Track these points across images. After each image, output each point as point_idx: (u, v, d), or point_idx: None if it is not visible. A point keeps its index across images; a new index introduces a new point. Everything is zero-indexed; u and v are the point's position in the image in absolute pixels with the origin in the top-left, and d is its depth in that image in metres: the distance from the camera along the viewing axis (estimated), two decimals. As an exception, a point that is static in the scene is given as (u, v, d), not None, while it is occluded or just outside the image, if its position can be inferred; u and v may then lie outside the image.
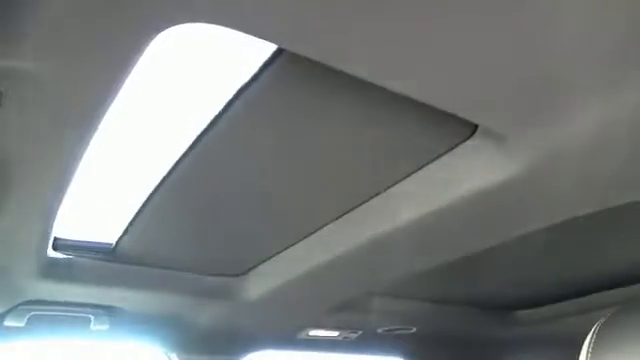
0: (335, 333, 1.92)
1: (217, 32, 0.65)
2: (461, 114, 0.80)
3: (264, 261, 1.49)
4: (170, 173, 1.03)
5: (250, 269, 1.52)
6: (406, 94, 0.76)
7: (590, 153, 0.86)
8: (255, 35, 0.64)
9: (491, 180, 0.93)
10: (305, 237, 1.35)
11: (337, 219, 1.24)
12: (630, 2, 0.61)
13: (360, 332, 1.94)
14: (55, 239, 1.25)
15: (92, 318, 1.48)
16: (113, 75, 0.70)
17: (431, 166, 1.00)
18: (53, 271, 1.29)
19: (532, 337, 2.02)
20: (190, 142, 0.95)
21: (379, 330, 1.97)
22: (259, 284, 1.52)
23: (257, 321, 1.71)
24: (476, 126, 0.88)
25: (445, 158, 0.97)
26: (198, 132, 0.93)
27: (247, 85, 0.82)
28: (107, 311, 1.49)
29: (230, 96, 0.85)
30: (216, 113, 0.88)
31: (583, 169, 0.90)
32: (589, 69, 0.71)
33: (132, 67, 0.70)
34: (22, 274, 1.27)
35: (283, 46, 0.68)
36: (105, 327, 1.51)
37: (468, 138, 0.92)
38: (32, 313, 1.40)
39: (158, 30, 0.64)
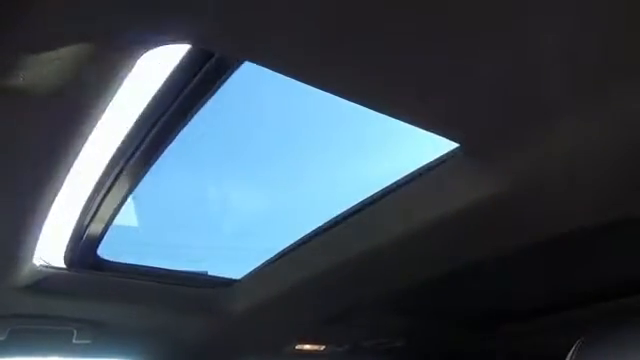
0: (322, 347, 1.91)
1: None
2: (446, 134, 0.82)
3: (250, 274, 1.48)
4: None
5: (236, 282, 1.52)
6: (394, 116, 0.77)
7: (573, 171, 0.88)
8: (248, 59, 0.66)
9: (476, 197, 0.95)
10: (292, 250, 1.35)
11: (324, 233, 1.25)
12: (608, 28, 0.63)
13: (347, 346, 1.94)
14: (40, 252, 1.24)
15: (75, 332, 1.46)
16: (99, 92, 0.70)
17: (417, 183, 1.01)
18: (36, 284, 1.27)
19: (517, 351, 2.03)
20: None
21: (366, 344, 1.96)
22: (245, 297, 1.51)
23: (243, 335, 1.70)
24: (461, 144, 0.90)
25: (431, 175, 0.98)
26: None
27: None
28: (90, 325, 1.47)
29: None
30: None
31: (567, 186, 0.92)
32: (570, 89, 0.73)
33: (120, 84, 0.70)
34: (3, 287, 1.25)
35: (268, 67, 0.69)
36: (88, 342, 1.49)
37: (453, 156, 0.93)
38: (13, 327, 1.38)
39: (143, 50, 0.64)
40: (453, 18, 0.61)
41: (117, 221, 1.24)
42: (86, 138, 0.79)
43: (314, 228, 1.27)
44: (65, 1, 0.57)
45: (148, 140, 0.99)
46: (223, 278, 1.54)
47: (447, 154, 0.94)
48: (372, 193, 1.10)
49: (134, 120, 0.97)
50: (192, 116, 0.95)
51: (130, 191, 1.15)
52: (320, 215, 1.26)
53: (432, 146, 0.94)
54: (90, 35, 0.62)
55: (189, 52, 0.80)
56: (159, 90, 0.89)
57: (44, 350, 1.51)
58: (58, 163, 0.84)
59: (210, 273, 1.55)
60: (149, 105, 0.93)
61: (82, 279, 1.34)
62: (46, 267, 1.27)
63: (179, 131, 0.99)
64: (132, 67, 0.68)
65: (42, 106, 0.72)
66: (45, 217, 0.99)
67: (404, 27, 0.62)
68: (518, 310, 1.81)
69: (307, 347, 1.88)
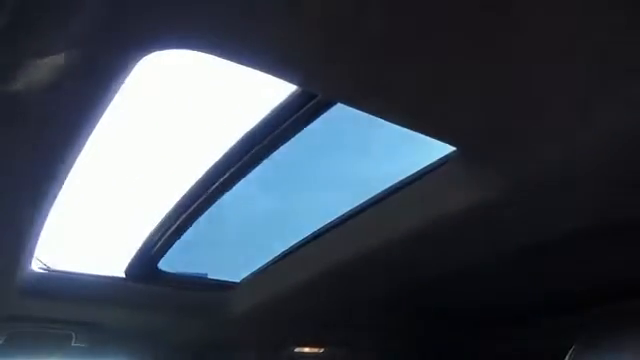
0: (320, 349, 1.91)
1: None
2: (443, 138, 0.83)
3: (250, 277, 1.49)
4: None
5: (236, 285, 1.52)
6: (392, 121, 0.78)
7: (568, 174, 0.88)
8: (242, 64, 0.66)
9: (472, 200, 0.95)
10: (290, 253, 1.35)
11: (322, 236, 1.25)
12: (606, 30, 0.64)
13: (346, 348, 1.94)
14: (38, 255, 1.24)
15: (73, 335, 1.46)
16: (97, 96, 0.71)
17: (414, 186, 1.02)
18: (35, 286, 1.27)
19: (513, 353, 2.03)
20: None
21: (365, 346, 1.96)
22: (244, 300, 1.51)
23: (242, 338, 1.70)
24: (457, 148, 0.91)
25: (428, 178, 0.99)
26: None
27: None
28: (89, 328, 1.47)
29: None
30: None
31: (562, 190, 0.93)
32: (567, 94, 0.74)
33: (117, 88, 0.71)
34: (3, 290, 1.26)
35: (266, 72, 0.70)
36: (87, 345, 1.49)
37: (450, 159, 0.94)
38: (12, 330, 1.38)
39: (142, 54, 0.65)
40: (450, 22, 0.61)
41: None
42: (83, 143, 0.79)
43: (313, 231, 1.28)
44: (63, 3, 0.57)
45: (233, 170, 1.08)
46: (223, 281, 1.54)
47: (444, 157, 0.95)
48: (370, 196, 1.11)
49: (223, 153, 1.06)
50: (277, 149, 1.03)
51: (204, 212, 1.22)
52: (318, 218, 1.26)
53: (429, 150, 0.94)
54: (88, 37, 0.62)
55: (292, 94, 0.88)
56: (256, 126, 0.97)
57: (43, 353, 1.51)
58: (57, 166, 0.84)
59: (210, 276, 1.55)
60: (242, 140, 1.01)
61: (82, 282, 1.35)
62: (45, 271, 1.28)
63: (261, 162, 1.07)
64: (130, 70, 0.68)
65: (39, 110, 0.72)
66: (44, 221, 1.00)
67: (402, 32, 0.63)
68: (515, 313, 1.81)
69: (306, 350, 1.88)
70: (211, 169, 1.10)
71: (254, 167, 1.08)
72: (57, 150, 0.81)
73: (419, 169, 0.99)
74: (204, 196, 1.17)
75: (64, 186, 0.90)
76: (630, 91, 0.71)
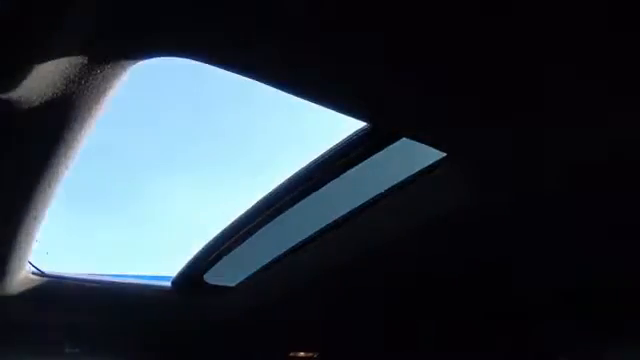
0: (315, 354, 1.91)
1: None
2: (432, 143, 0.84)
3: (245, 281, 1.49)
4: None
5: (231, 289, 1.52)
6: (383, 126, 0.80)
7: (554, 181, 0.89)
8: (236, 72, 0.67)
9: (460, 204, 0.96)
10: (284, 257, 1.36)
11: (316, 240, 1.26)
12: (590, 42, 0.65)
13: (340, 353, 1.94)
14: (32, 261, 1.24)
15: (68, 340, 1.46)
16: (92, 99, 0.71)
17: (405, 190, 1.03)
18: (29, 292, 1.27)
19: (509, 357, 2.03)
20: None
21: (360, 350, 1.96)
22: (239, 304, 1.52)
23: (237, 342, 1.70)
24: (447, 153, 0.92)
25: (418, 183, 1.00)
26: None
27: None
28: (85, 332, 1.47)
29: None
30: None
31: (547, 196, 0.94)
32: (552, 105, 0.75)
33: (110, 92, 0.71)
34: None
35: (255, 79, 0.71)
36: (82, 349, 1.49)
37: (439, 165, 0.95)
38: (5, 335, 1.38)
39: (133, 60, 0.66)
40: (451, 28, 0.62)
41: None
42: (76, 149, 0.80)
43: (307, 235, 1.28)
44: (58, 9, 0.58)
45: (288, 198, 1.14)
46: (218, 285, 1.54)
47: (434, 163, 0.95)
48: (362, 202, 1.12)
49: (286, 180, 1.11)
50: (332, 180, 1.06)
51: (255, 232, 1.27)
52: (314, 221, 1.27)
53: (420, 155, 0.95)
54: (84, 41, 0.63)
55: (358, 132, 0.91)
56: (317, 159, 1.03)
57: (36, 358, 1.51)
58: (51, 171, 0.85)
59: (205, 280, 1.56)
60: (302, 170, 1.07)
61: (75, 287, 1.35)
62: (39, 275, 1.28)
63: (317, 190, 1.10)
64: (122, 76, 0.69)
65: (31, 117, 0.73)
66: (38, 227, 1.00)
67: (396, 41, 0.64)
68: (508, 317, 1.82)
69: (301, 354, 1.88)
70: (273, 192, 1.17)
71: (308, 195, 1.12)
72: (53, 154, 0.81)
73: (410, 174, 1.00)
74: (261, 217, 1.23)
75: (56, 192, 0.91)
76: (620, 93, 0.72)
